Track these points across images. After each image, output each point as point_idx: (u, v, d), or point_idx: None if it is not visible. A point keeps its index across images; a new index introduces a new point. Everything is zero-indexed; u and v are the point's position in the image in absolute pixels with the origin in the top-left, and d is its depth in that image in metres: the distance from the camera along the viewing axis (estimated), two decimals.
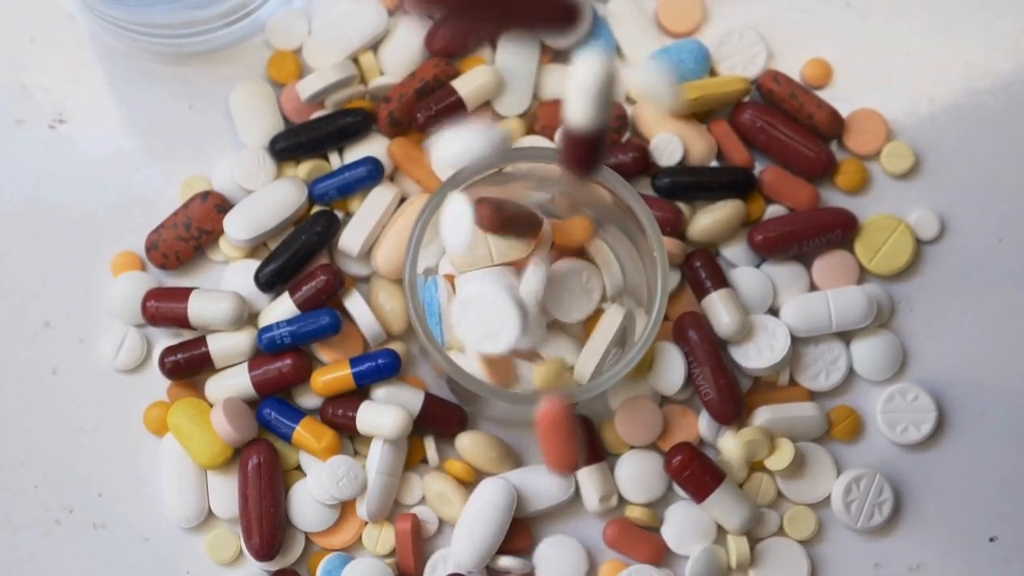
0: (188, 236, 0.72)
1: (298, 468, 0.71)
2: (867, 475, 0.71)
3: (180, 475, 0.70)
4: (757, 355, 0.71)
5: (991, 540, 0.72)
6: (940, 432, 0.73)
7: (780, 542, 0.71)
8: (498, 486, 0.69)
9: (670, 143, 0.72)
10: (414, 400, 0.70)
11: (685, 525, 0.71)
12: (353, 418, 0.69)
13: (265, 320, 0.71)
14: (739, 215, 0.72)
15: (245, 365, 0.70)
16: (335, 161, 0.73)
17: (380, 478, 0.69)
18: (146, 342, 0.72)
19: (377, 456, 0.69)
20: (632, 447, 0.71)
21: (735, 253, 0.73)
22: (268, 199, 0.71)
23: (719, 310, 0.71)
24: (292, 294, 0.70)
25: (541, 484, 0.70)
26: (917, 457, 0.72)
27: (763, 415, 0.71)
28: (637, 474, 0.71)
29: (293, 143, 0.72)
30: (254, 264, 0.71)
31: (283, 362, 0.70)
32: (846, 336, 0.72)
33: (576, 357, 0.68)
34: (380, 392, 0.70)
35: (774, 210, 0.73)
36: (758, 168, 0.73)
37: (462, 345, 0.67)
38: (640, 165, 0.72)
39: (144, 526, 0.71)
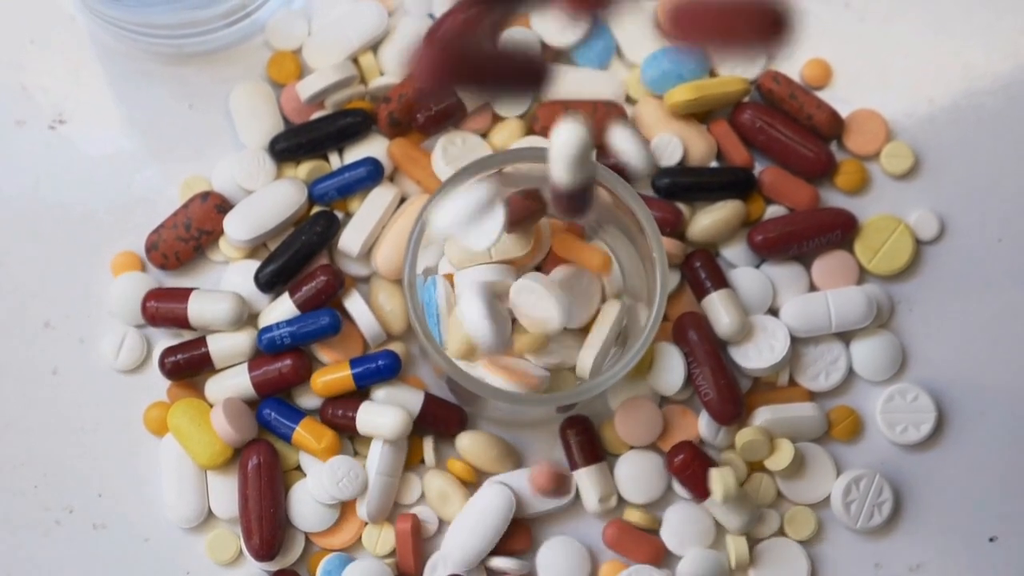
0: (188, 236, 0.72)
1: (298, 468, 0.71)
2: (867, 475, 0.71)
3: (180, 475, 0.70)
4: (757, 355, 0.71)
5: (991, 540, 0.72)
6: (940, 432, 0.73)
7: (780, 542, 0.71)
8: (497, 492, 0.69)
9: (670, 143, 0.72)
10: (414, 400, 0.70)
11: (684, 526, 0.71)
12: (353, 418, 0.69)
13: (265, 320, 0.71)
14: (739, 215, 0.72)
15: (245, 365, 0.70)
16: (335, 162, 0.73)
17: (380, 478, 0.69)
18: (146, 342, 0.72)
19: (377, 456, 0.69)
20: (632, 447, 0.71)
21: (735, 253, 0.73)
22: (268, 199, 0.71)
23: (719, 310, 0.71)
24: (292, 294, 0.70)
25: None
26: (917, 457, 0.72)
27: (763, 415, 0.71)
28: (637, 474, 0.71)
29: (293, 143, 0.72)
30: (254, 264, 0.71)
31: (283, 362, 0.70)
32: (846, 336, 0.73)
33: (576, 359, 0.68)
34: (380, 392, 0.70)
35: (774, 210, 0.73)
36: (758, 168, 0.74)
37: (462, 349, 0.67)
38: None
39: (144, 526, 0.71)
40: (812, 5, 0.75)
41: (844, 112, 0.74)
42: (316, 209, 0.72)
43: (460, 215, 0.62)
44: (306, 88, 0.72)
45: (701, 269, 0.71)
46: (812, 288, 0.73)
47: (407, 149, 0.72)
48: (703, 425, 0.71)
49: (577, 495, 0.71)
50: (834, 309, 0.71)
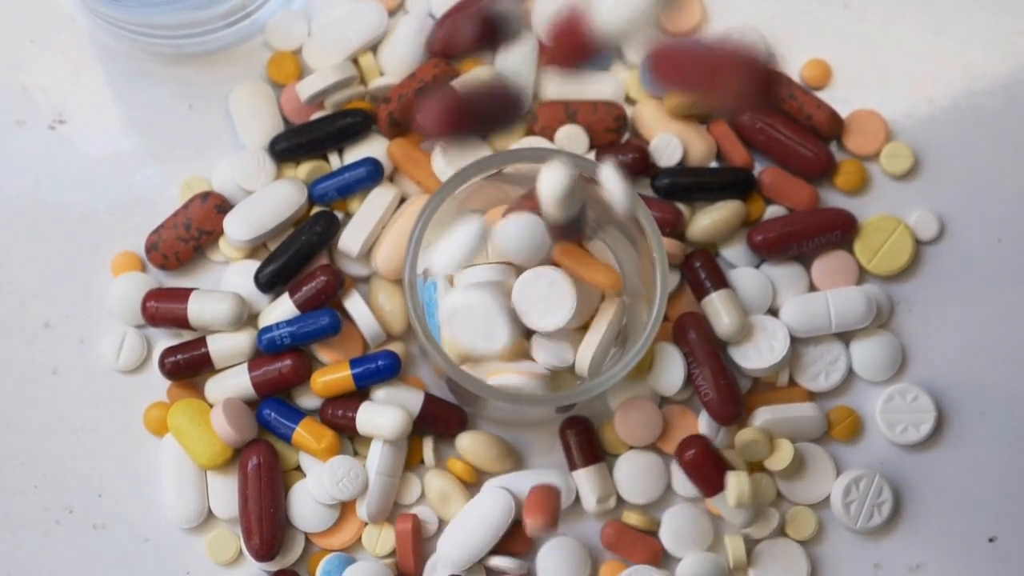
0: (188, 236, 0.72)
1: (298, 468, 0.71)
2: (867, 476, 0.71)
3: (180, 475, 0.70)
4: (757, 356, 0.71)
5: (991, 540, 0.72)
6: (939, 432, 0.73)
7: (780, 542, 0.71)
8: (498, 498, 0.69)
9: (669, 144, 0.72)
10: (414, 401, 0.70)
11: (683, 528, 0.71)
12: (353, 419, 0.69)
13: (265, 321, 0.71)
14: (738, 216, 0.72)
15: (245, 366, 0.70)
16: (335, 162, 0.73)
17: (380, 479, 0.69)
18: (146, 342, 0.72)
19: (377, 457, 0.69)
20: (631, 448, 0.71)
21: (735, 254, 0.73)
22: (268, 200, 0.71)
23: (719, 311, 0.71)
24: (292, 295, 0.70)
25: None
26: (917, 457, 0.72)
27: (763, 416, 0.71)
28: (636, 475, 0.71)
29: (293, 144, 0.72)
30: (254, 265, 0.71)
31: (283, 363, 0.70)
32: (845, 336, 0.73)
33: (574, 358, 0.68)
34: (380, 393, 0.70)
35: (773, 211, 0.73)
36: (757, 169, 0.74)
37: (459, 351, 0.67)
38: (640, 166, 0.72)
39: (144, 526, 0.71)
40: (812, 5, 0.75)
41: (844, 112, 0.74)
42: (316, 209, 0.72)
43: (456, 252, 0.62)
44: (306, 88, 0.72)
45: (701, 269, 0.71)
46: (812, 288, 0.73)
47: (407, 149, 0.72)
48: (703, 425, 0.71)
49: (577, 495, 0.71)
50: (834, 309, 0.71)
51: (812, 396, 0.72)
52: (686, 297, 0.72)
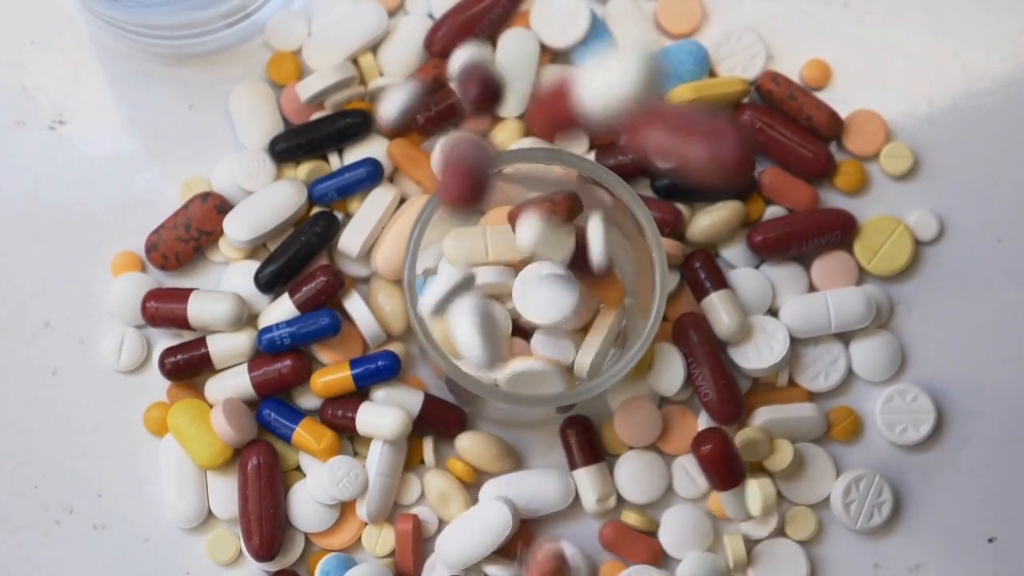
0: (188, 237, 0.72)
1: (298, 469, 0.71)
2: (866, 476, 0.71)
3: (180, 476, 0.70)
4: (756, 356, 0.71)
5: (990, 541, 0.72)
6: (939, 433, 0.73)
7: (780, 543, 0.71)
8: (498, 512, 0.69)
9: None
10: (414, 401, 0.70)
11: (682, 528, 0.71)
12: (353, 419, 0.69)
13: (265, 321, 0.71)
14: (738, 216, 0.72)
15: (245, 366, 0.70)
16: (335, 162, 0.73)
17: (380, 479, 0.69)
18: (146, 343, 0.72)
19: (377, 457, 0.69)
20: (631, 448, 0.71)
21: (734, 254, 0.73)
22: (268, 200, 0.71)
23: (718, 311, 0.71)
24: (292, 295, 0.70)
25: (541, 490, 0.70)
26: (916, 458, 0.73)
27: (762, 416, 0.71)
28: (636, 475, 0.71)
29: (293, 144, 0.72)
30: (254, 265, 0.71)
31: (283, 363, 0.70)
32: (845, 337, 0.73)
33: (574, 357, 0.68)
34: (380, 393, 0.70)
35: (773, 211, 0.73)
36: (757, 169, 0.74)
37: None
38: (639, 166, 0.72)
39: (144, 526, 0.71)
40: (812, 5, 0.75)
41: (843, 113, 0.74)
42: (316, 210, 0.72)
43: (436, 297, 0.62)
44: (306, 89, 0.72)
45: (701, 270, 0.71)
46: (812, 289, 0.73)
47: (407, 150, 0.72)
48: (703, 425, 0.71)
49: (576, 495, 0.71)
50: (833, 310, 0.71)
51: (812, 396, 0.72)
52: (686, 297, 0.72)
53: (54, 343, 0.72)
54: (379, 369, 0.70)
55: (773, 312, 0.72)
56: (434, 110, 0.72)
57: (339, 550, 0.71)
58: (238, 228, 0.71)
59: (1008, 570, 0.72)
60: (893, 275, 0.73)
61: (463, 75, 0.60)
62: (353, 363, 0.70)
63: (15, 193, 0.73)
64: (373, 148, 0.72)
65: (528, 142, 0.72)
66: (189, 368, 0.70)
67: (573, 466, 0.71)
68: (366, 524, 0.70)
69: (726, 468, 0.69)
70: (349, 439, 0.71)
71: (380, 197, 0.72)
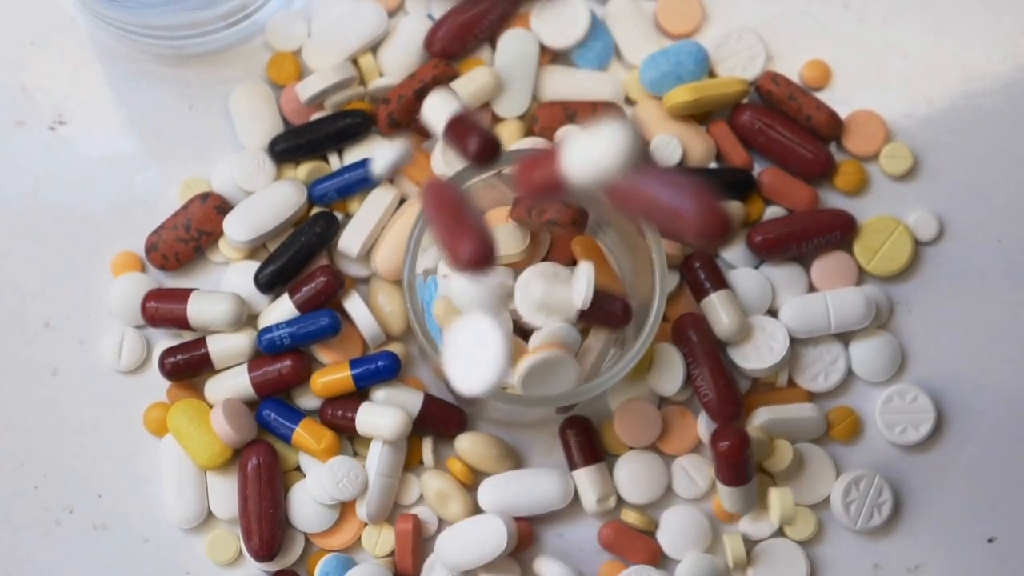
0: (188, 237, 0.72)
1: (298, 469, 0.71)
2: (866, 476, 0.71)
3: (180, 476, 0.70)
4: (756, 356, 0.71)
5: (990, 541, 0.72)
6: (939, 433, 0.73)
7: (779, 543, 0.71)
8: (496, 530, 0.69)
9: (669, 144, 0.72)
10: (413, 401, 0.70)
11: (681, 528, 0.71)
12: (352, 419, 0.69)
13: (265, 321, 0.71)
14: (738, 216, 0.72)
15: (245, 366, 0.70)
16: (335, 162, 0.73)
17: (380, 479, 0.69)
18: (146, 343, 0.72)
19: (376, 457, 0.69)
20: (631, 448, 0.71)
21: (734, 254, 0.73)
22: (268, 200, 0.71)
23: (718, 311, 0.71)
24: (292, 295, 0.70)
25: (540, 489, 0.70)
26: (916, 458, 0.73)
27: (762, 416, 0.71)
28: (636, 475, 0.71)
29: (293, 144, 0.72)
30: (254, 265, 0.71)
31: (283, 363, 0.70)
32: (845, 337, 0.73)
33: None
34: (379, 393, 0.70)
35: (773, 211, 0.73)
36: (757, 169, 0.74)
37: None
38: None
39: (144, 526, 0.71)
40: (812, 5, 0.75)
41: (843, 113, 0.74)
42: (316, 210, 0.72)
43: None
44: (306, 89, 0.72)
45: (700, 270, 0.71)
46: (811, 289, 0.73)
47: None
48: (702, 426, 0.71)
49: (576, 495, 0.71)
50: (833, 310, 0.71)
51: (811, 396, 0.72)
52: (685, 298, 0.72)
53: (54, 343, 0.72)
54: (379, 369, 0.70)
55: (773, 312, 0.72)
56: None
57: (339, 550, 0.71)
58: (238, 228, 0.71)
59: (1008, 570, 0.72)
60: (893, 275, 0.73)
61: (456, 129, 0.61)
62: (353, 363, 0.70)
63: (15, 193, 0.73)
64: (373, 148, 0.72)
65: (528, 142, 0.72)
66: (189, 368, 0.70)
67: (573, 466, 0.71)
68: (366, 524, 0.70)
69: (739, 467, 0.69)
70: (349, 439, 0.71)
71: (380, 197, 0.72)
